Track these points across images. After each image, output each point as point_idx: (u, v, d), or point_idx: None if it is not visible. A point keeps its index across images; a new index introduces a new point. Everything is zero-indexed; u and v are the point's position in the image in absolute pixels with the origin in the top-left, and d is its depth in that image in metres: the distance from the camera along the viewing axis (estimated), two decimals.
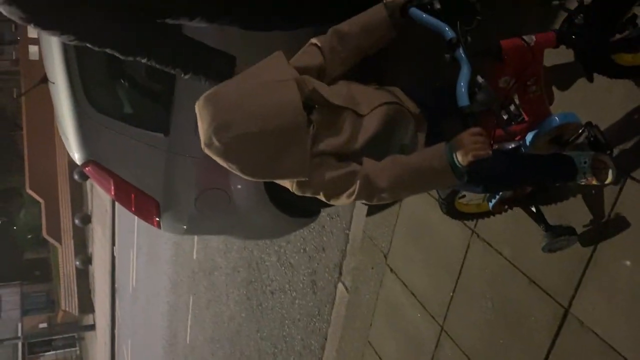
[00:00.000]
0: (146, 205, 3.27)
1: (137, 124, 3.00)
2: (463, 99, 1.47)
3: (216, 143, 1.38)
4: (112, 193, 3.19)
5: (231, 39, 2.72)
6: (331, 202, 1.57)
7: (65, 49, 2.76)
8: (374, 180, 1.50)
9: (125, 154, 3.08)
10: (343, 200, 1.55)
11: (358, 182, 1.50)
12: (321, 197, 1.55)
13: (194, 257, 8.24)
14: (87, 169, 3.14)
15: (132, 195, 3.20)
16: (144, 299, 12.58)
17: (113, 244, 15.65)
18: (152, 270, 11.40)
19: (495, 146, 1.86)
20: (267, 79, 1.43)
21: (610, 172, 1.87)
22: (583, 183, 1.95)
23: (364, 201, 1.58)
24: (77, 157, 3.10)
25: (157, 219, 3.34)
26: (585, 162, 1.88)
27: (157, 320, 11.09)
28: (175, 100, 2.90)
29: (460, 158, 1.44)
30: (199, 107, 1.41)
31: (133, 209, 3.28)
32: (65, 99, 2.92)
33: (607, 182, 1.89)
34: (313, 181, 1.51)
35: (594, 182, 1.92)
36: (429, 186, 1.61)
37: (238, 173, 1.47)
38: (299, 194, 1.56)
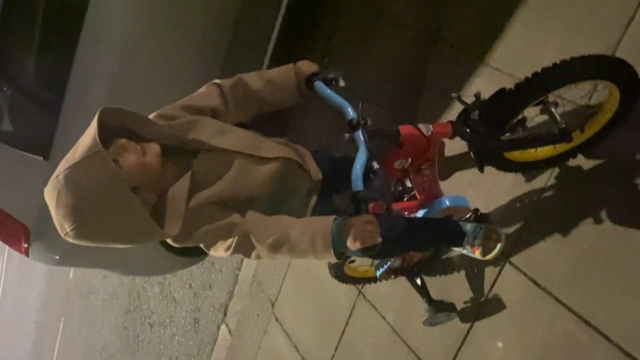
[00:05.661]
0: (13, 230, 2.97)
1: (14, 144, 2.71)
2: (357, 184, 1.43)
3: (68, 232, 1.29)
4: None
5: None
6: (210, 253, 1.46)
7: None
8: (253, 238, 1.42)
9: None
10: (220, 253, 1.45)
11: (236, 237, 1.41)
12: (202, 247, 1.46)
13: (71, 276, 7.64)
14: None
15: None
16: (9, 312, 11.46)
17: None
18: (23, 283, 10.43)
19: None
20: (77, 157, 1.23)
21: (498, 246, 1.91)
22: (465, 251, 1.97)
23: (241, 256, 1.49)
24: None
25: (26, 245, 3.03)
26: (480, 229, 1.91)
27: (21, 338, 10.11)
28: (60, 124, 2.65)
29: (348, 243, 1.39)
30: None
31: None
32: None
33: (488, 256, 1.92)
34: (189, 233, 1.40)
35: (477, 253, 1.94)
36: (306, 257, 1.47)
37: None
38: (177, 245, 1.44)
